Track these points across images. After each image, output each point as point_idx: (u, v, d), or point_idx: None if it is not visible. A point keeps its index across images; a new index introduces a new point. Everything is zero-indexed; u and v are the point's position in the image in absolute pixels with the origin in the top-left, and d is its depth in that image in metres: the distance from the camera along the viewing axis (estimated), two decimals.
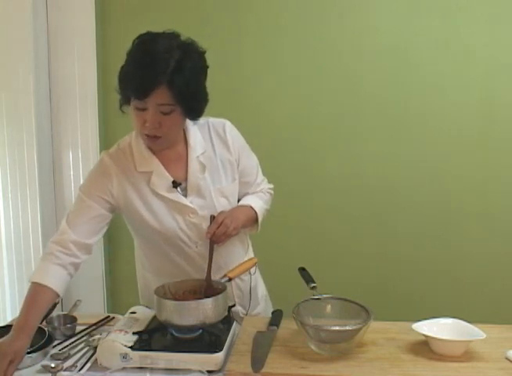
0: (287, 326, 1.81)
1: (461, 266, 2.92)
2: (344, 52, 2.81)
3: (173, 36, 1.71)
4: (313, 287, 1.87)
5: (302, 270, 2.03)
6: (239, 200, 1.99)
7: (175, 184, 1.83)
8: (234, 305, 1.88)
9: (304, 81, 2.85)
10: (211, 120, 1.95)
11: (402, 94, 2.82)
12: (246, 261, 1.94)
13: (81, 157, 2.89)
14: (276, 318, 1.88)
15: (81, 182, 2.83)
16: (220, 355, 1.56)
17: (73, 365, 1.61)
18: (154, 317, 1.76)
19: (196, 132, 1.90)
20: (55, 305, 1.97)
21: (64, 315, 1.94)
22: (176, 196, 1.84)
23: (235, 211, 1.90)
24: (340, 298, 1.79)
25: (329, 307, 1.78)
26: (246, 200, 1.98)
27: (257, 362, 1.57)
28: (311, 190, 2.87)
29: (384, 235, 2.93)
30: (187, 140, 1.88)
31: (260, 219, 1.98)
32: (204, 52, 1.74)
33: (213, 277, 1.83)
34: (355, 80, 2.83)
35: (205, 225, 1.84)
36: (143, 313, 1.81)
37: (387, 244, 2.93)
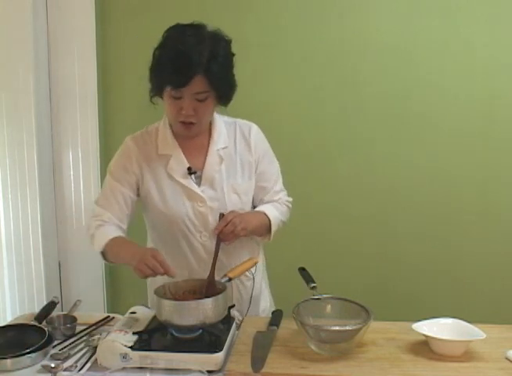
0: (287, 326, 1.81)
1: (461, 266, 2.92)
2: (344, 52, 2.81)
3: (201, 26, 1.81)
4: (313, 287, 1.87)
5: (302, 270, 2.03)
6: (254, 207, 2.03)
7: (190, 171, 1.90)
8: (234, 306, 1.88)
9: (305, 81, 2.86)
10: (239, 120, 2.03)
11: (402, 94, 2.82)
12: (246, 261, 1.93)
13: (81, 157, 2.89)
14: (276, 318, 1.88)
15: (81, 182, 2.88)
16: (220, 355, 1.56)
17: (73, 365, 1.61)
18: (154, 317, 1.76)
19: (221, 128, 1.98)
20: (55, 305, 1.97)
21: (64, 315, 1.93)
22: (189, 182, 1.90)
23: (247, 215, 1.92)
24: (340, 298, 1.79)
25: (329, 307, 1.78)
26: (261, 208, 1.99)
27: (257, 362, 1.57)
28: (311, 191, 2.87)
29: (384, 235, 2.93)
30: (211, 133, 1.96)
31: (273, 228, 1.98)
32: (231, 41, 1.84)
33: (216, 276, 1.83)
34: (355, 80, 2.83)
35: (211, 217, 1.90)
36: (143, 313, 1.81)
37: (387, 244, 2.93)
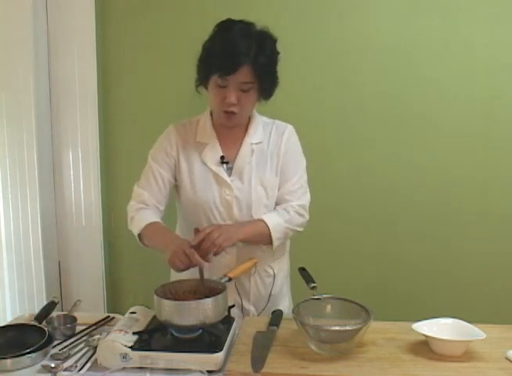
0: (287, 326, 1.81)
1: (461, 266, 2.92)
2: (344, 52, 2.81)
3: (250, 23, 1.93)
4: (313, 287, 1.87)
5: (302, 270, 2.03)
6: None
7: (223, 160, 2.00)
8: (233, 306, 1.88)
9: (304, 81, 2.85)
10: (278, 121, 2.13)
11: (401, 94, 2.82)
12: (246, 261, 1.94)
13: (80, 157, 2.89)
14: (276, 318, 1.88)
15: (81, 182, 2.88)
16: (220, 355, 1.56)
17: (73, 365, 1.61)
18: (154, 317, 1.76)
19: (259, 125, 2.08)
20: (55, 305, 1.97)
21: (64, 315, 1.93)
22: (220, 170, 2.00)
23: (230, 226, 1.94)
24: (340, 298, 1.79)
25: (329, 307, 1.78)
26: (262, 216, 1.99)
27: (257, 362, 1.57)
28: (310, 191, 2.86)
29: (384, 235, 2.93)
30: (248, 127, 2.06)
31: (276, 236, 1.98)
32: (277, 40, 1.95)
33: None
34: (355, 80, 2.83)
35: (236, 206, 1.99)
36: (143, 313, 1.82)
37: (387, 244, 2.93)
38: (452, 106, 2.80)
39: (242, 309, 2.07)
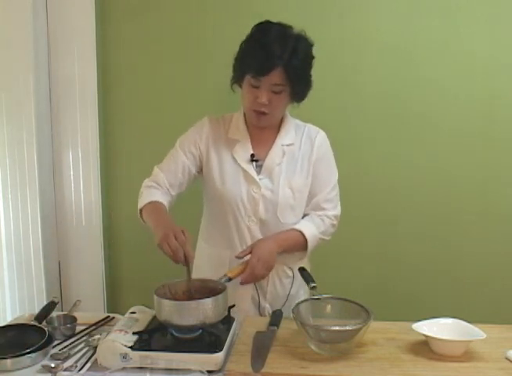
0: (287, 326, 1.81)
1: (461, 266, 2.91)
2: (344, 52, 2.80)
3: (288, 26, 1.95)
4: (313, 287, 1.87)
5: (302, 270, 2.03)
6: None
7: (253, 158, 2.03)
8: (233, 306, 1.88)
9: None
10: (310, 125, 2.17)
11: (401, 94, 2.81)
12: (246, 261, 1.94)
13: (80, 157, 2.89)
14: (276, 318, 1.88)
15: (81, 182, 2.88)
16: (220, 355, 1.56)
17: (73, 365, 1.61)
18: (154, 317, 1.76)
19: (290, 127, 2.12)
20: (55, 305, 1.97)
21: (64, 315, 1.93)
22: (249, 168, 2.03)
23: (272, 242, 1.98)
24: (340, 298, 1.79)
25: (329, 307, 1.79)
26: (301, 226, 2.05)
27: (257, 362, 1.57)
28: None
29: (384, 235, 2.93)
30: (280, 129, 2.09)
31: (310, 247, 2.06)
32: (313, 44, 1.98)
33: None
34: (354, 80, 2.83)
35: (262, 204, 2.02)
36: (143, 313, 1.82)
37: (387, 244, 2.93)
38: (452, 106, 2.80)
39: (259, 305, 2.09)
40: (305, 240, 2.03)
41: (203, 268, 2.09)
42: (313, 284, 1.89)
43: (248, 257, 1.95)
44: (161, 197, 2.00)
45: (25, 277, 2.85)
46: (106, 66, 2.91)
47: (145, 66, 2.90)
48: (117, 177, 2.99)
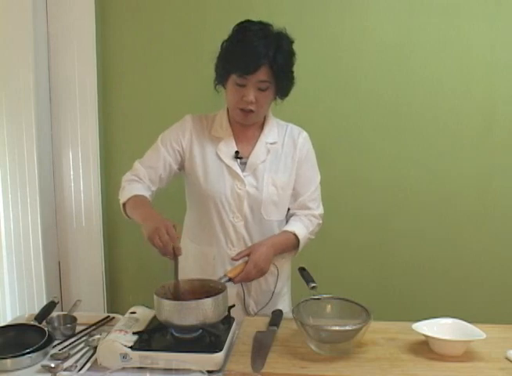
0: (287, 326, 1.81)
1: (461, 266, 2.91)
2: (343, 52, 2.80)
3: (268, 24, 1.97)
4: (313, 287, 1.87)
5: (302, 270, 2.03)
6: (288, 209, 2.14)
7: (237, 155, 2.05)
8: (233, 306, 1.88)
9: (305, 81, 2.85)
10: (292, 124, 2.20)
11: (400, 92, 2.81)
12: (246, 261, 1.94)
13: (80, 157, 2.89)
14: (276, 318, 1.88)
15: (81, 182, 2.88)
16: (220, 355, 1.56)
17: (73, 365, 1.61)
18: (154, 317, 1.76)
19: (273, 126, 2.14)
20: (55, 305, 1.97)
21: (64, 315, 1.93)
22: (234, 164, 2.04)
23: (268, 247, 1.98)
24: (340, 298, 1.79)
25: (329, 307, 1.78)
26: (293, 227, 2.08)
27: (257, 362, 1.57)
28: None
29: (384, 235, 2.93)
30: (263, 127, 2.11)
31: (300, 248, 2.10)
32: (293, 41, 2.01)
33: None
34: (354, 79, 2.83)
35: (247, 201, 2.04)
36: (143, 313, 1.82)
37: (388, 244, 2.93)
38: (451, 104, 2.80)
39: (244, 302, 2.10)
40: (298, 241, 2.06)
41: (189, 265, 2.10)
42: (313, 284, 1.89)
43: (245, 259, 1.95)
44: (144, 191, 2.01)
45: (25, 277, 2.85)
46: (106, 66, 2.91)
47: (145, 66, 2.90)
48: (117, 177, 2.96)
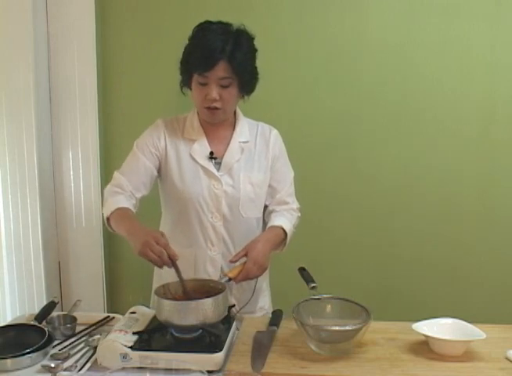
0: (287, 326, 1.81)
1: (461, 266, 2.91)
2: (344, 52, 2.81)
3: (227, 23, 1.99)
4: (313, 287, 1.87)
5: (302, 270, 2.03)
6: (265, 206, 2.16)
7: (212, 155, 2.06)
8: (234, 306, 1.88)
9: (304, 81, 2.85)
10: (262, 123, 2.20)
11: (400, 92, 2.81)
12: (245, 261, 1.94)
13: (80, 157, 2.89)
14: (276, 318, 1.88)
15: (81, 182, 2.88)
16: (220, 355, 1.56)
17: (73, 365, 1.61)
18: (154, 317, 1.76)
19: (244, 125, 2.14)
20: (55, 305, 1.97)
21: (64, 315, 1.93)
22: (208, 164, 2.05)
23: (263, 244, 1.96)
24: (340, 298, 1.79)
25: (329, 307, 1.78)
26: (279, 222, 2.07)
27: (257, 362, 1.57)
28: (310, 190, 2.87)
29: (384, 235, 2.93)
30: (235, 126, 2.12)
31: (288, 242, 2.10)
32: (254, 38, 2.01)
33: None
34: (355, 79, 2.83)
35: (224, 200, 2.04)
36: (143, 313, 1.82)
37: (387, 243, 2.93)
38: (451, 104, 2.80)
39: None
40: (285, 235, 2.07)
41: (169, 269, 2.06)
42: (313, 284, 1.89)
43: (243, 260, 1.94)
44: (127, 202, 1.98)
45: (25, 277, 2.85)
46: (106, 66, 2.91)
47: (145, 66, 2.90)
48: None
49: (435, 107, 2.81)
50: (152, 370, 1.54)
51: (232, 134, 2.11)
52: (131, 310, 1.84)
